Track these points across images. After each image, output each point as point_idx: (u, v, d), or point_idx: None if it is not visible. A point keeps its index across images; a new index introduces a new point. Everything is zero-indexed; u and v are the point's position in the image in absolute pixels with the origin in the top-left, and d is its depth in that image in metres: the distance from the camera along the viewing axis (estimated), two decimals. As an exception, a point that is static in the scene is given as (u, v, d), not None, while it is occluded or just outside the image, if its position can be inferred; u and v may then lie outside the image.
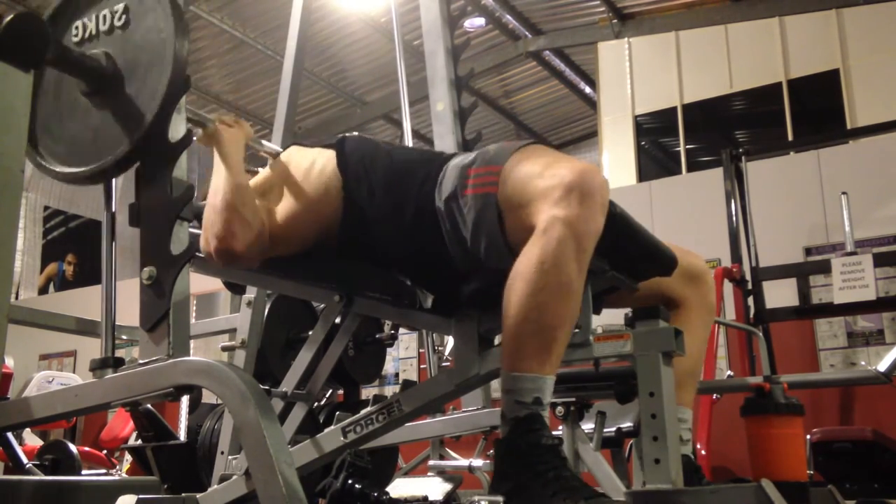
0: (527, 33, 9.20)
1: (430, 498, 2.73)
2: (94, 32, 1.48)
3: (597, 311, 1.49)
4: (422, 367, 6.27)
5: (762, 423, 2.33)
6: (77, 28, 1.51)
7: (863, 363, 5.05)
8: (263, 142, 1.73)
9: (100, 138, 1.45)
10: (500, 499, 1.27)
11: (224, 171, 1.55)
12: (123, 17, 1.45)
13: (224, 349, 2.82)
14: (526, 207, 1.30)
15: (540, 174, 1.32)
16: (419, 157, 1.61)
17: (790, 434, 2.26)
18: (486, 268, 1.41)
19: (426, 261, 1.51)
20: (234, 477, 1.51)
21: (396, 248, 1.53)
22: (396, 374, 6.53)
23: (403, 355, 6.56)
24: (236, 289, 2.39)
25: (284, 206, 1.59)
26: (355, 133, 1.72)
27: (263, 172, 1.73)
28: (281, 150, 1.75)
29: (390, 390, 6.28)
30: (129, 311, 1.57)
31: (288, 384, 1.74)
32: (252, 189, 1.59)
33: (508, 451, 1.24)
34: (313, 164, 1.62)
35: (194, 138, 1.52)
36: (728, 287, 4.26)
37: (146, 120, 1.38)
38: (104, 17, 1.48)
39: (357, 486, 2.35)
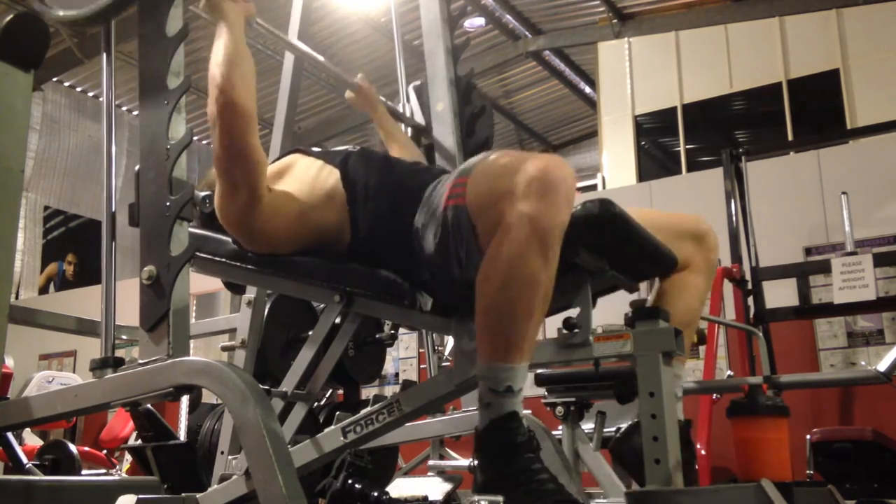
0: (527, 33, 9.20)
1: (430, 498, 2.73)
2: None
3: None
4: (422, 367, 6.27)
5: (745, 424, 2.36)
6: None
7: (863, 363, 5.05)
8: (262, 22, 1.77)
9: None
10: (500, 499, 1.28)
11: (226, 34, 1.55)
12: None
13: (224, 349, 2.82)
14: (493, 207, 1.33)
15: (503, 173, 1.34)
16: (413, 173, 1.65)
17: (773, 436, 2.28)
18: (465, 283, 1.43)
19: (422, 273, 1.53)
20: (234, 477, 1.51)
21: (397, 259, 1.56)
22: (396, 374, 6.53)
23: (403, 355, 6.56)
24: (236, 289, 2.39)
25: (285, 201, 1.60)
26: (359, 147, 1.74)
27: (271, 168, 1.74)
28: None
29: (390, 390, 6.28)
30: (129, 311, 1.57)
31: (288, 384, 1.74)
32: (252, 59, 1.59)
33: (485, 445, 1.33)
34: (317, 172, 1.65)
35: (193, 8, 1.53)
36: (728, 287, 4.26)
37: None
38: None
39: (357, 486, 2.35)
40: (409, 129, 2.71)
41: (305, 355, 1.72)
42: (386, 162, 1.70)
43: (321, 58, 2.41)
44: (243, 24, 1.64)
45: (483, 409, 1.34)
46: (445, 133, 2.62)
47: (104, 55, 1.53)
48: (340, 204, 1.60)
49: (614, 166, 8.51)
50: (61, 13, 1.50)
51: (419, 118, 2.71)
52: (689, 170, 8.02)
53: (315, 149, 1.77)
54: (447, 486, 2.81)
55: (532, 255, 1.27)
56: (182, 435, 3.00)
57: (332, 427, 1.66)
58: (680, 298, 1.65)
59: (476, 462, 1.36)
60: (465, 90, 2.72)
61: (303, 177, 1.65)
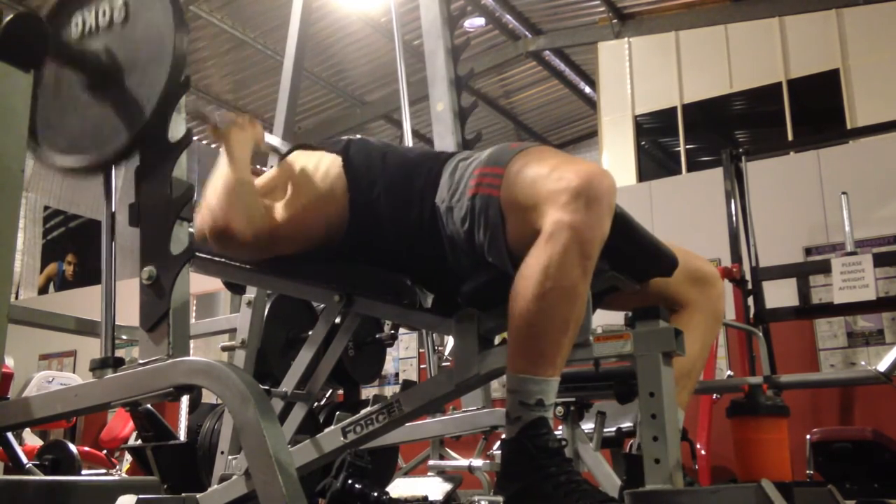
0: (527, 33, 9.20)
1: (430, 498, 2.73)
2: (94, 27, 1.49)
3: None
4: (422, 367, 6.27)
5: (745, 424, 2.35)
6: (77, 23, 1.51)
7: (863, 363, 5.04)
8: (272, 142, 1.74)
9: (100, 131, 1.46)
10: (499, 499, 1.27)
11: (227, 165, 1.56)
12: (123, 11, 1.46)
13: (224, 349, 2.82)
14: (531, 210, 1.31)
15: (546, 177, 1.31)
16: (422, 157, 1.62)
17: (773, 436, 2.28)
18: (485, 266, 1.42)
19: (430, 260, 1.51)
20: (234, 477, 1.51)
21: (402, 248, 1.54)
22: (396, 374, 6.53)
23: (403, 355, 6.56)
24: (236, 289, 2.39)
25: (289, 205, 1.60)
26: (358, 136, 1.73)
27: (269, 172, 1.74)
28: (285, 149, 1.76)
29: (390, 390, 6.28)
30: (129, 311, 1.58)
31: (288, 384, 1.74)
32: (256, 188, 1.60)
33: (516, 453, 1.27)
34: (318, 166, 1.64)
35: (194, 138, 1.53)
36: (728, 287, 4.26)
37: (146, 113, 1.40)
38: (104, 11, 1.48)
39: (357, 486, 2.35)
40: None
41: (305, 355, 1.72)
42: (390, 147, 1.69)
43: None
44: (250, 151, 1.64)
45: (512, 424, 1.28)
46: (445, 133, 2.62)
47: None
48: (341, 192, 1.58)
49: (614, 166, 8.51)
50: (58, 161, 1.49)
51: None
52: (689, 170, 8.02)
53: (309, 143, 1.76)
54: (447, 486, 2.81)
55: (572, 266, 1.25)
56: (182, 435, 2.99)
57: (332, 427, 1.66)
58: None
59: (502, 474, 1.30)
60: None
61: (301, 172, 1.64)
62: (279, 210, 1.59)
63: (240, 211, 1.50)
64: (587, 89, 10.26)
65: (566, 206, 1.25)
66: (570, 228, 1.25)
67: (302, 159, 1.69)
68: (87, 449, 4.81)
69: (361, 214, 1.57)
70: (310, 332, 1.78)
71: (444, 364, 2.86)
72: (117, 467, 4.69)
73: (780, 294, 4.48)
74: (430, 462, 3.39)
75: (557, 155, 1.39)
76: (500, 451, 1.46)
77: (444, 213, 1.46)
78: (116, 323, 1.48)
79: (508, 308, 1.31)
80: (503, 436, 1.34)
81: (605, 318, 1.88)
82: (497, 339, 1.55)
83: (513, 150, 1.42)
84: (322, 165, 1.63)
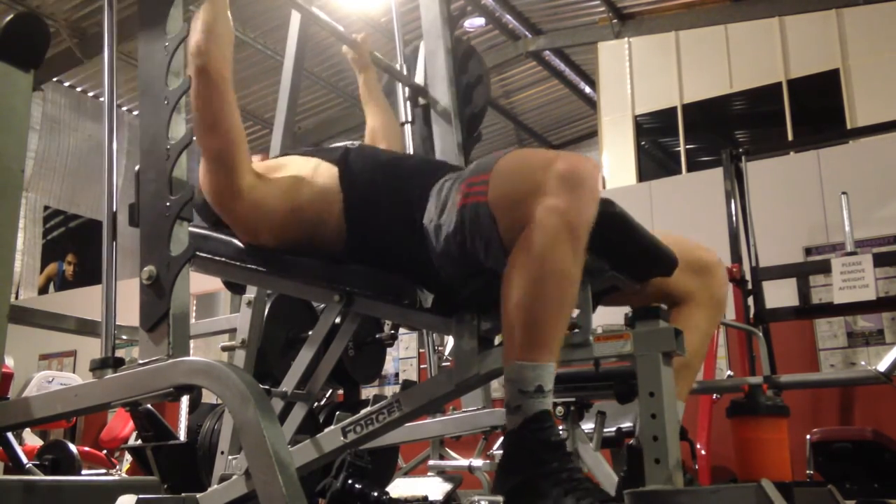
0: (527, 33, 9.21)
1: (430, 498, 2.73)
2: None
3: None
4: (422, 367, 6.27)
5: (745, 424, 2.35)
6: None
7: (863, 363, 5.05)
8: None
9: None
10: (499, 499, 1.27)
11: (209, 4, 1.57)
12: None
13: (224, 349, 2.82)
14: (519, 204, 1.32)
15: (530, 171, 1.33)
16: (414, 171, 1.62)
17: (773, 436, 2.28)
18: (482, 271, 1.42)
19: (428, 265, 1.51)
20: (234, 477, 1.51)
21: (402, 251, 1.54)
22: (396, 374, 6.54)
23: (403, 355, 6.56)
24: (236, 289, 2.39)
25: (274, 192, 1.59)
26: (356, 143, 1.73)
27: (265, 162, 1.73)
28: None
29: (390, 390, 6.28)
30: (129, 311, 1.57)
31: (288, 384, 1.74)
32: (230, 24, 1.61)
33: (516, 446, 1.27)
34: (314, 169, 1.63)
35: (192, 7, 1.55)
36: (728, 287, 4.26)
37: None
38: None
39: (357, 486, 2.35)
40: (407, 89, 2.71)
41: (305, 355, 1.72)
42: (386, 158, 1.69)
43: (324, 16, 2.43)
44: None
45: (512, 413, 1.27)
46: (445, 133, 2.62)
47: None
48: (336, 201, 1.58)
49: (614, 166, 8.52)
50: None
51: (418, 78, 2.71)
52: (689, 170, 8.02)
53: (308, 149, 1.76)
54: (447, 486, 2.81)
55: (563, 248, 1.26)
56: (182, 435, 2.99)
57: (332, 427, 1.66)
58: None
59: (501, 467, 1.29)
60: (462, 57, 2.72)
61: (297, 173, 1.63)
62: (260, 195, 1.57)
63: (214, 46, 1.52)
64: (587, 89, 10.26)
65: (551, 191, 1.27)
66: (557, 212, 1.26)
67: (298, 161, 1.68)
68: (87, 449, 4.81)
69: (358, 223, 1.57)
70: (310, 332, 1.77)
71: (444, 364, 2.86)
72: (117, 467, 4.69)
73: (780, 294, 4.49)
74: (430, 462, 3.39)
75: (538, 151, 1.41)
76: (500, 451, 1.46)
77: (432, 232, 1.46)
78: (116, 323, 1.48)
79: (501, 297, 1.31)
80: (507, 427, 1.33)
81: (605, 318, 1.88)
82: (497, 340, 1.55)
83: (494, 157, 1.44)
84: (318, 170, 1.63)
